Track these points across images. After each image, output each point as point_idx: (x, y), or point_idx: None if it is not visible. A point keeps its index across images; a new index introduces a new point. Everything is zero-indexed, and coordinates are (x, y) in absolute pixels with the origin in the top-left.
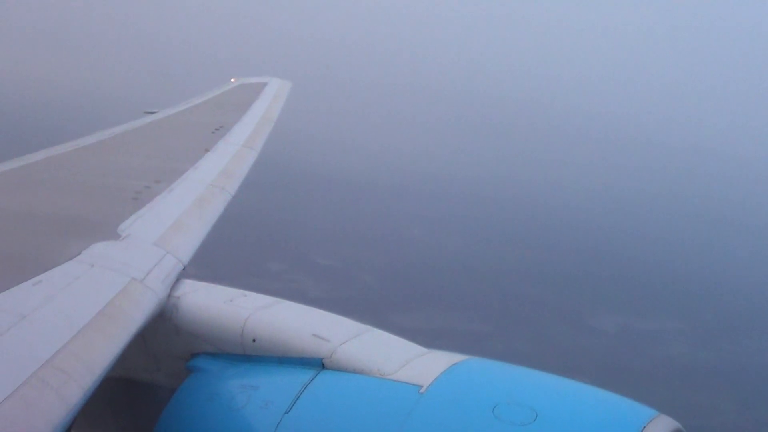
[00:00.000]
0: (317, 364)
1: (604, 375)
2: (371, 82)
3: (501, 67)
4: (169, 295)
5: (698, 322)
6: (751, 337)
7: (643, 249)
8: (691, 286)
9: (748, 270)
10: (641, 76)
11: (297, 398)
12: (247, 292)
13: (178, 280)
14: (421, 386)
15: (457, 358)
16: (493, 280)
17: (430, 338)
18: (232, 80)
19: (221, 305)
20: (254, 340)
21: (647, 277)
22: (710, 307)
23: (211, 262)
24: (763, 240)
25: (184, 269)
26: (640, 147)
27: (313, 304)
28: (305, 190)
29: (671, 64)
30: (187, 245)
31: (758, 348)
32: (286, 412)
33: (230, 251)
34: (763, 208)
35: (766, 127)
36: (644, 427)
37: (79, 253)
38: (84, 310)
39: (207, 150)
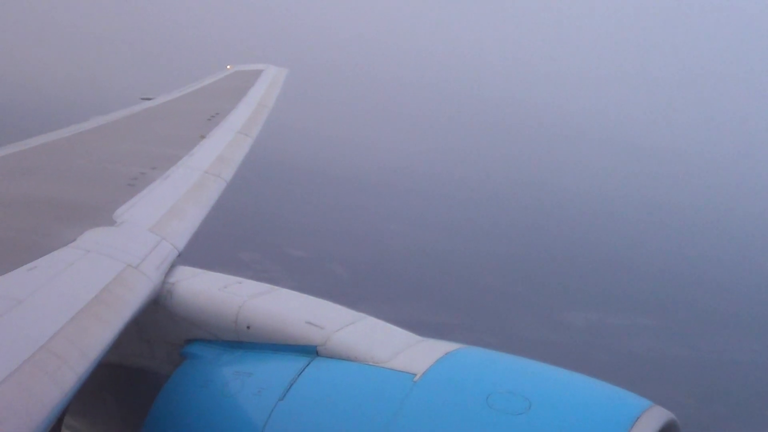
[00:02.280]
0: (311, 352)
1: (565, 367)
2: (367, 72)
3: (491, 60)
4: (164, 282)
5: (669, 318)
6: (720, 334)
7: (621, 246)
8: (665, 283)
9: (724, 268)
10: (622, 71)
11: (291, 385)
12: (242, 279)
13: (173, 266)
14: (415, 374)
15: (451, 346)
16: (465, 274)
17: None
18: (228, 67)
19: (216, 292)
20: (248, 327)
21: (622, 274)
22: (683, 305)
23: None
24: (740, 238)
25: (179, 255)
26: (618, 145)
27: None
28: (288, 180)
29: (668, 62)
30: (182, 232)
31: (725, 344)
32: (280, 399)
33: (202, 239)
34: (739, 208)
35: (734, 123)
36: (638, 418)
37: (74, 239)
38: (79, 296)
39: (203, 137)
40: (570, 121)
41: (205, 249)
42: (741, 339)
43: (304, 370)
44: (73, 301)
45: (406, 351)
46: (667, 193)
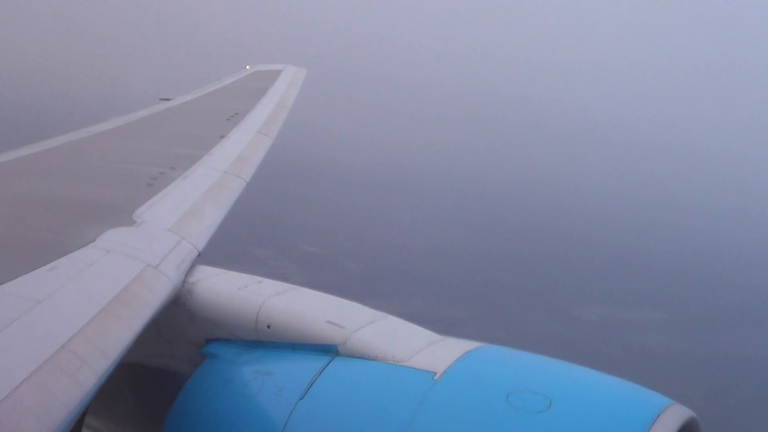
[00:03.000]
0: (331, 351)
1: (579, 362)
2: (386, 72)
3: (512, 59)
4: (184, 281)
5: (683, 313)
6: (732, 329)
7: (634, 241)
8: (677, 278)
9: (736, 263)
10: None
11: (311, 385)
12: (261, 279)
13: (192, 266)
14: (435, 373)
15: (471, 345)
16: (477, 269)
17: None
18: (248, 67)
19: (236, 291)
20: (269, 326)
21: (636, 269)
22: (695, 299)
23: None
24: (753, 233)
25: (198, 255)
26: (625, 139)
27: None
28: (305, 179)
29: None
30: (201, 231)
31: (736, 339)
32: (300, 399)
33: (216, 235)
34: (752, 203)
35: (731, 117)
36: (658, 415)
37: (94, 239)
38: (99, 296)
39: (222, 137)
40: (581, 118)
41: (218, 245)
42: (752, 333)
43: (324, 369)
44: (93, 301)
45: (426, 350)
46: (680, 188)
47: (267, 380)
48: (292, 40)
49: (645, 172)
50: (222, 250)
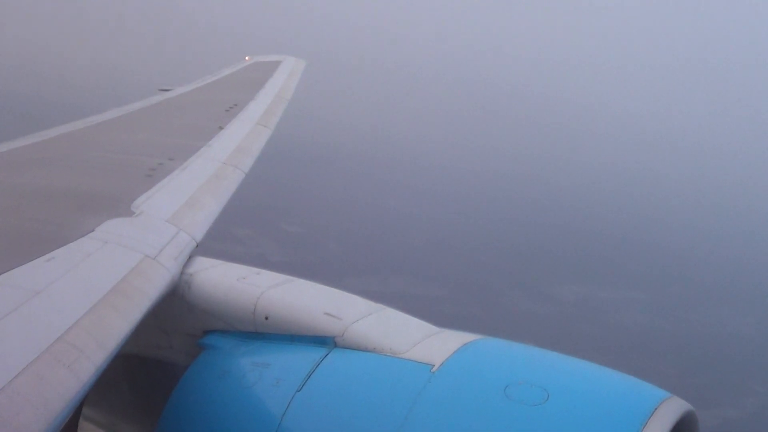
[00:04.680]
0: (329, 343)
1: (552, 339)
2: (385, 64)
3: (509, 52)
4: (182, 273)
5: (660, 292)
6: (709, 308)
7: (618, 223)
8: (657, 257)
9: (718, 245)
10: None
11: (309, 376)
12: (260, 270)
13: (191, 257)
14: (433, 365)
15: (469, 337)
16: (456, 249)
17: (379, 301)
18: (247, 58)
19: (234, 283)
20: (267, 318)
21: (617, 250)
22: (674, 279)
23: None
24: (730, 214)
25: (197, 246)
26: (603, 121)
27: (270, 267)
28: (303, 168)
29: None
30: (200, 223)
31: (714, 318)
32: (298, 390)
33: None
34: (729, 183)
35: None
36: (656, 408)
37: (93, 230)
38: (97, 287)
39: (221, 128)
40: (562, 104)
41: None
42: (729, 312)
43: (322, 361)
44: (91, 292)
45: (424, 342)
46: (661, 171)
47: (265, 372)
48: (291, 31)
49: (625, 155)
50: None
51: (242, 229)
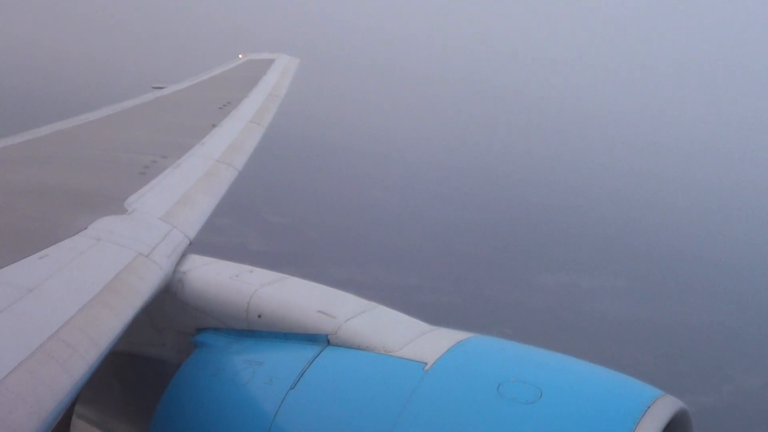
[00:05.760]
0: (322, 341)
1: (530, 328)
2: (378, 62)
3: (505, 52)
4: (175, 270)
5: (642, 281)
6: (690, 296)
7: (600, 213)
8: (642, 248)
9: (699, 235)
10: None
11: (302, 374)
12: (253, 268)
13: (184, 255)
14: (426, 363)
15: (463, 335)
16: (436, 238)
17: (358, 290)
18: (240, 56)
19: (227, 280)
20: (259, 316)
21: (598, 239)
22: (658, 269)
23: None
24: (713, 208)
25: (190, 244)
26: (585, 113)
27: (251, 256)
28: (296, 165)
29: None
30: (193, 220)
31: (693, 307)
32: (291, 388)
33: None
34: (712, 175)
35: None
36: (649, 407)
37: (86, 228)
38: (90, 285)
39: (214, 125)
40: (546, 97)
41: None
42: (709, 301)
43: (315, 359)
44: (84, 290)
45: (417, 340)
46: (641, 160)
47: (258, 370)
48: (284, 29)
49: (607, 146)
50: None
51: (223, 218)
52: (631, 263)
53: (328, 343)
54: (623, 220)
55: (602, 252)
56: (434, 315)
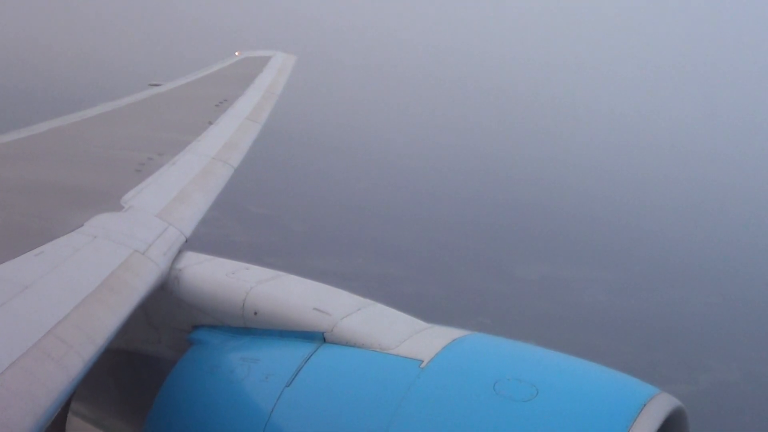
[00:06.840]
0: (318, 338)
1: (511, 318)
2: (374, 60)
3: (502, 52)
4: (171, 267)
5: (623, 272)
6: (670, 287)
7: (581, 203)
8: (623, 238)
9: (681, 226)
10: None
11: (298, 371)
12: (249, 265)
13: (180, 252)
14: (422, 361)
15: (459, 333)
16: (419, 229)
17: (340, 280)
18: (237, 53)
19: (223, 278)
20: (256, 313)
21: (579, 229)
22: (639, 259)
23: None
24: (695, 199)
25: (186, 241)
26: (571, 105)
27: (233, 247)
28: (292, 162)
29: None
30: (189, 217)
31: (673, 297)
32: (287, 385)
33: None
34: (695, 164)
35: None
36: (645, 405)
37: (82, 225)
38: (86, 282)
39: (210, 123)
40: (531, 92)
41: None
42: (689, 292)
43: (311, 356)
44: (80, 287)
45: (413, 337)
46: (623, 151)
47: (254, 367)
48: (281, 27)
49: (590, 137)
50: None
51: (208, 211)
52: (612, 255)
53: (324, 340)
54: (604, 212)
55: (583, 243)
56: (416, 306)
